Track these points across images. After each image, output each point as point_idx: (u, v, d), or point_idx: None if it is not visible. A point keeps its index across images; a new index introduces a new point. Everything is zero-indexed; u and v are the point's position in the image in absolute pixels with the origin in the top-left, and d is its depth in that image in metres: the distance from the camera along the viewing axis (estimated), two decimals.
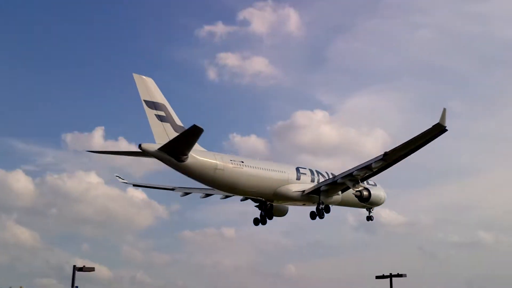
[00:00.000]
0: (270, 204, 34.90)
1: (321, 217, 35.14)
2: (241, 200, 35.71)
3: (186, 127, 27.46)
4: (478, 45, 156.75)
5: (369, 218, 39.90)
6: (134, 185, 41.11)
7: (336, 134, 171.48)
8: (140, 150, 28.05)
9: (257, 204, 35.94)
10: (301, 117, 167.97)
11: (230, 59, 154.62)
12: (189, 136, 26.83)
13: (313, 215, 35.78)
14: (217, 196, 36.67)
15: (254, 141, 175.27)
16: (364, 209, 38.98)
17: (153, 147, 27.03)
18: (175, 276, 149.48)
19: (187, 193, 37.85)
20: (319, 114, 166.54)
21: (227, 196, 36.23)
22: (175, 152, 26.57)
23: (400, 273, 41.22)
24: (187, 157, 27.38)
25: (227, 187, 31.17)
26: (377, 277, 41.91)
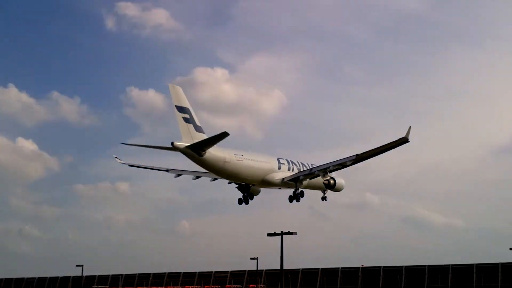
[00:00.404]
0: (250, 186, 40.99)
1: (298, 200, 40.39)
2: (228, 183, 40.82)
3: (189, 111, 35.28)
4: (376, 15, 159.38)
5: (324, 198, 43.95)
6: (130, 165, 44.62)
7: (235, 93, 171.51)
8: (171, 146, 34.00)
9: (237, 186, 41.34)
10: (201, 73, 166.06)
11: (130, 9, 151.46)
12: (215, 139, 33.56)
13: (291, 199, 40.87)
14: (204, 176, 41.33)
15: (152, 96, 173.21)
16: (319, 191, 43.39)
17: (182, 145, 33.87)
18: (65, 230, 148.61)
19: (179, 175, 42.17)
20: (219, 72, 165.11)
21: (215, 179, 41.02)
22: (198, 149, 33.64)
23: (290, 231, 42.61)
24: (205, 153, 34.14)
25: (231, 176, 37.69)
26: (269, 235, 43.29)
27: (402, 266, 71.88)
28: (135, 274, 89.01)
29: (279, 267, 44.03)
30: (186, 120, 35.12)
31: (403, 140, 34.80)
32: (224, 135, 33.13)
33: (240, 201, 41.57)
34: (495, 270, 65.75)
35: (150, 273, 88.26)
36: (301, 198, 40.41)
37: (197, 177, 41.71)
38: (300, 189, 40.44)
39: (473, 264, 68.11)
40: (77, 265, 69.21)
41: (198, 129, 35.03)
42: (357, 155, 38.11)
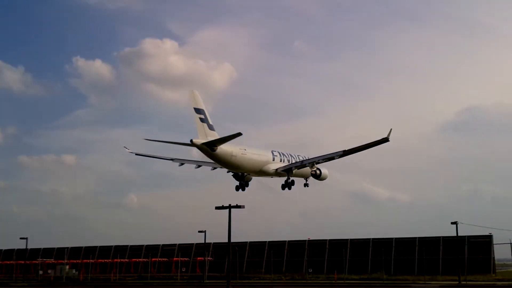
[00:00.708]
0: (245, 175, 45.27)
1: (290, 188, 44.86)
2: (227, 172, 44.38)
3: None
4: None
5: (306, 185, 47.64)
6: (136, 154, 48.15)
7: (184, 65, 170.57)
8: (190, 143, 38.69)
9: (233, 174, 44.93)
10: (150, 45, 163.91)
11: None
12: (229, 138, 38.27)
13: (283, 187, 45.06)
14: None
15: (99, 66, 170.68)
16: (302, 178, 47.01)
17: (199, 142, 38.72)
18: (9, 203, 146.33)
19: (182, 164, 45.73)
20: (168, 44, 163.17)
21: (215, 168, 44.81)
22: (212, 145, 38.64)
23: (238, 204, 43.03)
24: (217, 148, 38.97)
25: (235, 167, 42.25)
26: (217, 208, 43.62)
27: (347, 239, 73.36)
28: (81, 247, 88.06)
29: (226, 240, 44.19)
30: (202, 120, 40.00)
31: (384, 140, 39.51)
32: (237, 135, 37.85)
33: (237, 188, 45.55)
34: (436, 243, 67.81)
35: (96, 246, 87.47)
36: (292, 187, 45.06)
37: (199, 166, 45.58)
38: (291, 178, 45.02)
39: (415, 238, 70.05)
40: (21, 238, 67.80)
41: (211, 127, 40.36)
42: (344, 151, 42.89)
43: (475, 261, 64.91)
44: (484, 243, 65.89)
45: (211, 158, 40.35)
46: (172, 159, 46.09)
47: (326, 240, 74.85)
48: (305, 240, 75.95)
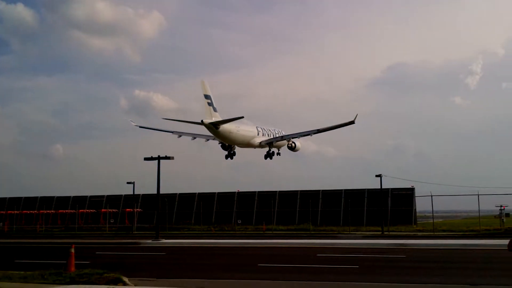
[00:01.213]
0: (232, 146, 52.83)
1: (271, 158, 54.18)
2: (218, 143, 51.62)
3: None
4: None
5: (279, 154, 54.08)
6: (140, 127, 53.21)
7: (111, 12, 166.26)
8: (200, 122, 45.47)
9: (221, 145, 52.21)
10: None
11: None
12: (232, 119, 45.86)
13: (265, 157, 54.15)
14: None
15: (21, 11, 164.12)
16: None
17: (208, 121, 45.26)
18: None
19: (180, 136, 50.79)
20: None
21: (208, 140, 51.38)
22: (217, 124, 45.59)
23: (167, 156, 43.24)
24: (220, 127, 46.27)
25: (231, 141, 50.15)
26: (145, 159, 43.68)
27: (276, 191, 74.62)
28: (5, 198, 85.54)
29: (156, 192, 44.01)
30: (209, 104, 47.21)
31: (351, 122, 47.04)
32: (239, 118, 46.63)
33: (226, 157, 53.99)
34: (361, 195, 70.12)
35: (21, 197, 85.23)
36: (273, 156, 53.92)
37: (194, 138, 51.49)
38: (272, 150, 53.45)
39: (341, 190, 72.06)
40: None
41: (215, 109, 47.32)
42: (318, 130, 51.81)
43: (398, 213, 67.62)
44: (406, 195, 68.63)
45: (214, 134, 48.37)
46: (172, 132, 51.53)
47: (255, 192, 75.88)
48: (234, 192, 76.76)
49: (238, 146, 52.86)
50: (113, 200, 79.35)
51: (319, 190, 73.12)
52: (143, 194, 76.16)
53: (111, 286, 12.90)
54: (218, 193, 77.70)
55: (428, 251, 29.84)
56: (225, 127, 48.00)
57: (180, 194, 78.79)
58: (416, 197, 67.41)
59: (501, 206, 61.60)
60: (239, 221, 66.54)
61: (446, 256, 26.63)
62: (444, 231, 52.86)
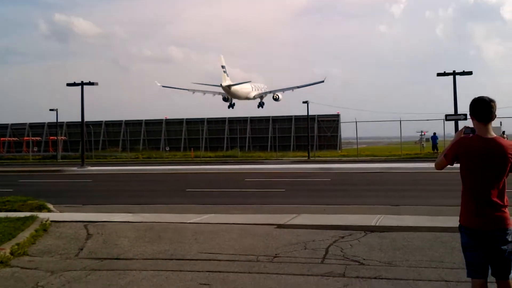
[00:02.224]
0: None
1: (262, 107, 72.72)
2: (223, 98, 70.38)
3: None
4: None
5: (263, 103, 72.50)
6: (163, 86, 72.04)
7: None
8: (220, 85, 64.95)
9: (223, 98, 70.33)
10: None
11: None
12: (241, 83, 66.00)
13: (258, 106, 72.56)
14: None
15: None
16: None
17: (224, 84, 64.12)
18: None
19: (194, 92, 68.87)
20: None
21: (215, 95, 70.28)
22: (230, 86, 63.80)
23: (91, 82, 41.74)
24: (231, 88, 63.92)
25: (237, 97, 68.95)
26: (68, 85, 41.97)
27: (204, 118, 74.44)
28: None
29: (80, 119, 42.95)
30: (224, 72, 65.17)
31: (321, 82, 67.00)
32: (247, 82, 68.26)
33: (229, 107, 71.52)
34: (288, 121, 71.10)
35: None
36: (264, 106, 71.76)
37: (204, 93, 69.06)
38: (262, 101, 71.40)
39: (269, 116, 72.69)
40: None
41: (228, 75, 65.07)
42: (298, 86, 68.79)
43: (324, 139, 69.26)
44: (332, 122, 70.11)
45: (227, 92, 66.98)
46: (193, 91, 68.82)
47: (183, 119, 75.42)
48: (162, 119, 76.07)
49: (238, 99, 70.28)
50: (36, 128, 76.98)
51: (247, 117, 73.49)
52: (67, 122, 74.27)
53: (35, 213, 12.59)
54: (146, 120, 76.78)
55: (352, 174, 30.81)
56: (235, 87, 66.80)
57: (106, 121, 77.32)
58: (341, 123, 69.05)
59: (421, 131, 63.92)
60: (167, 148, 66.23)
61: (369, 179, 27.58)
62: (367, 156, 54.63)
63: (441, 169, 5.43)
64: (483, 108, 4.89)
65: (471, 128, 5.02)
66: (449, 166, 5.20)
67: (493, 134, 4.91)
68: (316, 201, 17.57)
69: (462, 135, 5.07)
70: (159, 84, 69.85)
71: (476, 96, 5.00)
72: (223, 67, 66.20)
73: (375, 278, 7.39)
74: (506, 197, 4.95)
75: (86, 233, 11.02)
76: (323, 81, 68.10)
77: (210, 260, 8.71)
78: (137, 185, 26.49)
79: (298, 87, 69.47)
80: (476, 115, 4.93)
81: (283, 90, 70.42)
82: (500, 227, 4.85)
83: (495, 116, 4.94)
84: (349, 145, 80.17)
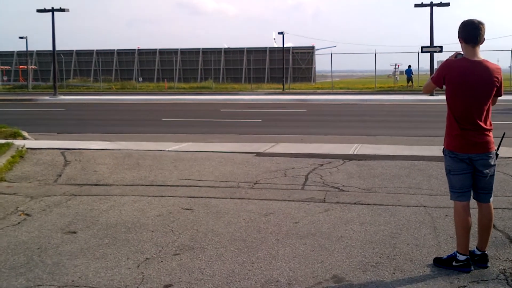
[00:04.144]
0: None
1: None
2: None
3: None
4: None
5: None
6: None
7: None
8: None
9: None
10: None
11: None
12: None
13: None
14: None
15: None
16: None
17: None
18: None
19: None
20: None
21: None
22: None
23: (62, 8, 40.75)
24: None
25: None
26: (38, 11, 41.11)
27: (177, 49, 73.24)
28: None
29: (51, 48, 41.94)
30: None
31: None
32: None
33: None
34: (263, 53, 70.38)
35: None
36: None
37: None
38: None
39: (243, 48, 71.83)
40: None
41: None
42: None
43: (298, 71, 68.95)
44: (307, 54, 69.62)
45: None
46: None
47: (156, 49, 74.12)
48: (134, 49, 74.67)
49: None
50: (5, 56, 74.91)
51: (221, 48, 72.54)
52: (37, 51, 72.57)
53: (10, 140, 12.39)
54: (118, 50, 75.28)
55: (327, 106, 30.90)
56: None
57: (77, 51, 75.59)
58: (316, 55, 68.68)
59: (395, 64, 64.05)
60: (140, 79, 65.28)
61: (345, 110, 27.69)
62: (341, 88, 54.72)
63: (428, 92, 5.43)
64: (471, 30, 4.83)
65: (462, 53, 4.98)
66: (428, 98, 5.18)
67: (480, 57, 4.88)
68: (293, 131, 17.63)
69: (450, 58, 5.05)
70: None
71: (465, 19, 4.95)
72: None
73: (354, 203, 7.47)
74: (490, 121, 4.97)
75: (64, 160, 10.91)
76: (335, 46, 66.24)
77: (191, 186, 8.72)
78: (112, 115, 26.22)
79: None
80: (464, 37, 4.86)
81: None
82: (484, 151, 4.89)
83: (484, 39, 4.89)
84: (323, 78, 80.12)
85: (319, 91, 51.10)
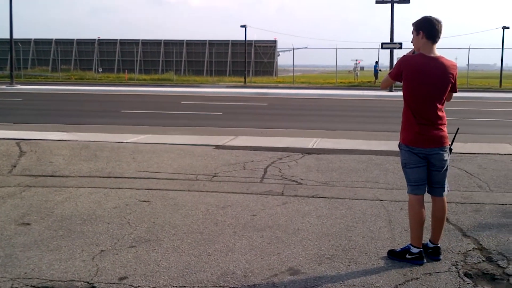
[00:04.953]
0: None
1: None
2: None
3: None
4: None
5: None
6: None
7: None
8: None
9: None
10: None
11: None
12: None
13: None
14: None
15: None
16: None
17: None
18: None
19: None
20: None
21: None
22: None
23: None
24: None
25: None
26: None
27: (138, 40, 72.49)
28: None
29: (8, 36, 40.98)
30: None
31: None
32: None
33: None
34: (225, 46, 70.19)
35: None
36: None
37: None
38: None
39: (206, 40, 71.54)
40: None
41: None
42: None
43: (260, 65, 69.02)
44: (269, 47, 69.71)
45: None
46: None
47: (116, 40, 73.19)
48: (94, 39, 73.56)
49: None
50: None
51: (183, 40, 72.05)
52: None
53: None
54: (77, 40, 74.04)
55: (288, 100, 31.01)
56: None
57: (35, 39, 74.05)
58: (278, 50, 68.86)
59: (356, 60, 64.75)
60: (100, 70, 64.31)
61: (306, 104, 27.84)
62: (303, 82, 55.01)
63: (386, 88, 5.50)
64: (434, 26, 4.89)
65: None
66: (387, 93, 5.24)
67: (436, 54, 4.95)
68: (254, 124, 17.64)
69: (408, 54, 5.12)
70: None
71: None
72: None
73: (312, 197, 7.52)
74: (444, 116, 5.05)
75: (19, 150, 10.70)
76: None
77: (149, 178, 8.64)
78: (70, 105, 25.79)
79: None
80: (427, 33, 4.91)
81: None
82: (439, 145, 4.98)
83: (440, 38, 4.98)
84: (284, 72, 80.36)
85: (280, 85, 51.26)
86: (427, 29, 4.91)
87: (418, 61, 4.92)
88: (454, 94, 5.17)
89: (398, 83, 5.22)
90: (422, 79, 4.88)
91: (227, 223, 6.28)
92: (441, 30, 4.90)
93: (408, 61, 4.98)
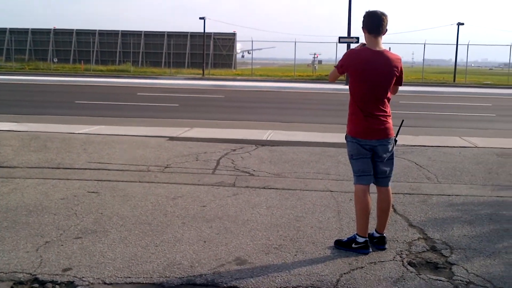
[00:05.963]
0: None
1: None
2: None
3: None
4: None
5: None
6: None
7: None
8: None
9: None
10: None
11: None
12: None
13: None
14: None
15: None
16: None
17: None
18: None
19: None
20: None
21: None
22: None
23: None
24: None
25: None
26: None
27: (95, 30, 71.38)
28: None
29: None
30: None
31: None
32: None
33: None
34: (184, 38, 69.74)
35: None
36: None
37: None
38: None
39: (164, 32, 70.90)
40: None
41: None
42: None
43: (219, 57, 68.81)
44: (228, 40, 69.56)
45: None
46: None
47: (73, 30, 71.89)
48: (50, 29, 72.11)
49: None
50: None
51: (141, 31, 71.26)
52: None
53: None
54: (32, 29, 72.43)
55: (246, 92, 31.02)
56: None
57: None
58: (237, 42, 68.77)
59: (314, 54, 65.17)
60: (55, 60, 63.10)
61: (263, 97, 27.89)
62: (261, 75, 55.06)
63: (333, 80, 5.54)
64: (375, 20, 4.94)
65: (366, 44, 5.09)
66: (343, 87, 5.29)
67: (381, 47, 5.01)
68: (210, 116, 17.59)
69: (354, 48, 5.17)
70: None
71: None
72: None
73: (263, 188, 7.55)
74: (389, 108, 5.12)
75: None
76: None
77: (99, 169, 8.53)
78: (23, 96, 25.22)
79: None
80: (368, 27, 4.97)
81: None
82: (384, 137, 5.05)
83: (386, 30, 5.02)
84: (243, 65, 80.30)
85: (239, 77, 51.22)
86: (367, 24, 4.97)
87: (363, 55, 4.97)
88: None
89: None
90: (367, 72, 4.94)
91: (177, 214, 6.25)
92: (382, 23, 4.94)
93: (353, 55, 5.03)
